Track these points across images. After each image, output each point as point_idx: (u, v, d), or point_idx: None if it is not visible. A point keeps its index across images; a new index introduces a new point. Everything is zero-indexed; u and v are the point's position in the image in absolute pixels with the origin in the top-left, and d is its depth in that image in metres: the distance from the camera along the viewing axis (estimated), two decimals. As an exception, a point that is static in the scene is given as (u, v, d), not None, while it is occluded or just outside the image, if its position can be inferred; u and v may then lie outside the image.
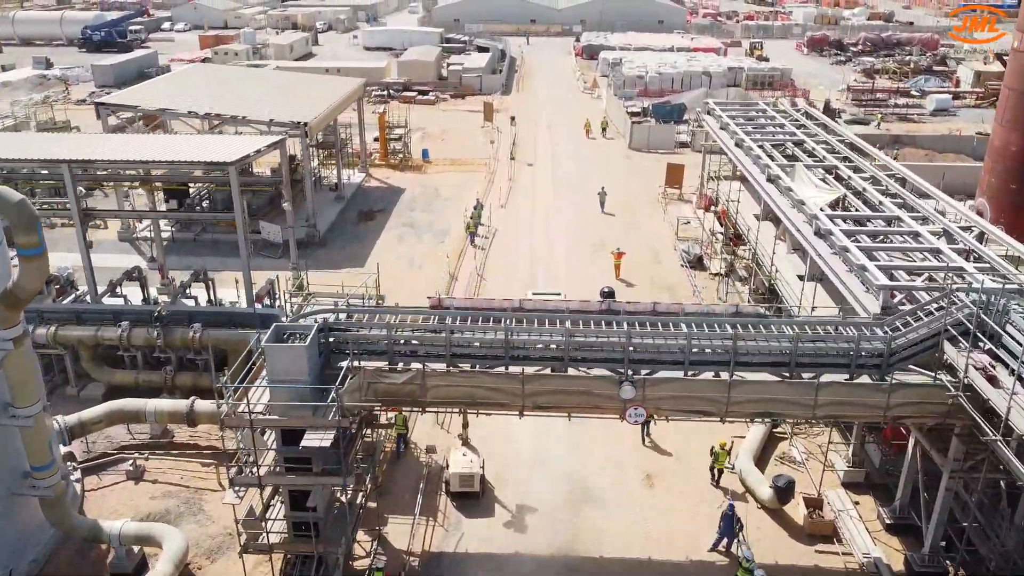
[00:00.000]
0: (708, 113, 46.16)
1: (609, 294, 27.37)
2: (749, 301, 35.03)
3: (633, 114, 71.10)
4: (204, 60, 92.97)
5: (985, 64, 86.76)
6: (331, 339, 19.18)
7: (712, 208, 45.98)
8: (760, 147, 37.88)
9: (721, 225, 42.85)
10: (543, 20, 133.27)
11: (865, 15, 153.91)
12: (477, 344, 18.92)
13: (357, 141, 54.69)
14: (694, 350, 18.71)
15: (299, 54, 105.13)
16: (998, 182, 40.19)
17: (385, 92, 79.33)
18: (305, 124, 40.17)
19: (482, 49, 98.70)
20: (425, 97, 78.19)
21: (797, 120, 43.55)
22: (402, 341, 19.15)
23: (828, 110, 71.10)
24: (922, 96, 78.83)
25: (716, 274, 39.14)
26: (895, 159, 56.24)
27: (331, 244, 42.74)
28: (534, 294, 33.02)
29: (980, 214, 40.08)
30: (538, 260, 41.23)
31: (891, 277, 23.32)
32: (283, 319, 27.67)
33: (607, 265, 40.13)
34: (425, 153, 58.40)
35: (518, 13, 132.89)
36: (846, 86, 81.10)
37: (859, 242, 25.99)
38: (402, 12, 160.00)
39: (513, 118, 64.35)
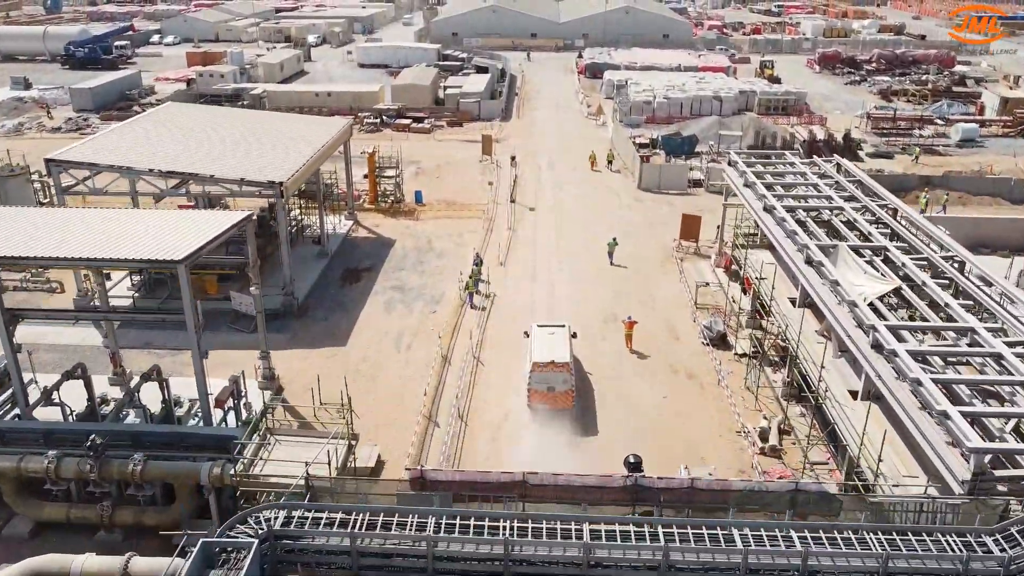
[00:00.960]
0: (730, 164, 41.80)
1: (635, 466, 22.74)
2: (784, 396, 30.71)
3: (641, 146, 66.73)
4: (189, 82, 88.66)
5: (1011, 89, 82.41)
6: (279, 547, 14.78)
7: (733, 267, 41.69)
8: (793, 214, 33.56)
9: (745, 293, 38.50)
10: (544, 34, 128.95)
11: (876, 28, 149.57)
12: (467, 559, 14.53)
13: (345, 179, 50.37)
14: (751, 569, 14.34)
15: (290, 73, 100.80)
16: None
17: (378, 119, 74.95)
18: (280, 184, 35.78)
19: (481, 69, 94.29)
20: (420, 125, 73.82)
21: (829, 176, 39.18)
22: (371, 552, 14.75)
23: (848, 141, 66.89)
24: (946, 124, 74.45)
25: (742, 355, 34.77)
26: (943, 210, 52.07)
27: (311, 313, 38.34)
28: (539, 327, 32.35)
29: (1033, 280, 35.99)
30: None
31: (974, 422, 19.03)
32: (241, 440, 23.57)
33: (618, 335, 35.94)
34: (419, 196, 54.01)
35: (518, 27, 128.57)
36: (866, 114, 76.69)
37: (930, 367, 21.65)
38: (397, 24, 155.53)
39: (514, 158, 59.90)
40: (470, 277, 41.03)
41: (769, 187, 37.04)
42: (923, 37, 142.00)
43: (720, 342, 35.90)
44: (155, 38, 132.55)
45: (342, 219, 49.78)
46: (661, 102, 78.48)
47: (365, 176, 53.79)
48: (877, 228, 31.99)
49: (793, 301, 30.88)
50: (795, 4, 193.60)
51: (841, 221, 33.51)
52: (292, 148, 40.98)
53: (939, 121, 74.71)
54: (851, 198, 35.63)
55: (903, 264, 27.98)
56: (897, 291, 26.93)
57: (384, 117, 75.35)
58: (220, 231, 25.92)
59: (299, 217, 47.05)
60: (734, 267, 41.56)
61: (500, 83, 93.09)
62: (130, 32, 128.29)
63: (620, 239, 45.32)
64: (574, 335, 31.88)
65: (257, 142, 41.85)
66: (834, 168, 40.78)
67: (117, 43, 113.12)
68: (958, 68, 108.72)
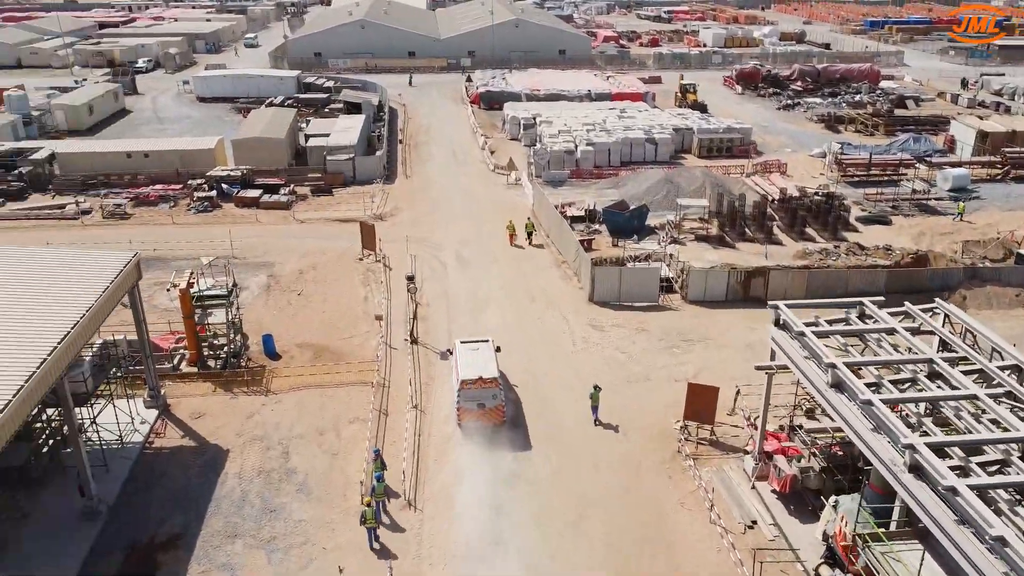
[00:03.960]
0: (778, 326, 25.51)
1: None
2: None
3: (574, 220, 50.40)
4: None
5: (981, 118, 71.13)
6: None
7: (794, 488, 25.61)
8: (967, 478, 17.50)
9: (842, 563, 22.39)
10: (424, 52, 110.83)
11: (776, 35, 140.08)
12: None
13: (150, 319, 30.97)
14: None
15: (104, 115, 78.37)
16: None
17: (213, 192, 54.88)
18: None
19: (352, 107, 75.40)
20: (274, 198, 54.35)
21: (952, 349, 23.55)
22: None
23: (832, 202, 52.65)
24: (929, 168, 61.77)
25: None
26: None
27: None
28: (462, 343, 31.53)
29: None
30: None
31: None
32: None
33: None
34: (269, 344, 35.12)
35: (392, 45, 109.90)
36: (832, 156, 63.20)
37: None
38: (243, 43, 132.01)
39: (411, 279, 39.87)
40: (368, 505, 23.68)
41: (880, 389, 20.89)
42: (827, 46, 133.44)
43: None
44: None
45: (139, 408, 30.40)
46: (586, 151, 62.29)
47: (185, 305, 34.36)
48: None
49: None
50: (682, 9, 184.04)
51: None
52: (21, 327, 21.66)
53: (920, 165, 61.93)
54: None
55: None
56: None
57: (224, 187, 55.41)
58: None
59: (53, 426, 27.49)
60: (798, 488, 25.52)
61: (378, 123, 74.62)
62: None
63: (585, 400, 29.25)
64: (498, 349, 31.44)
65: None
66: (941, 322, 25.24)
67: None
68: (884, 84, 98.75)
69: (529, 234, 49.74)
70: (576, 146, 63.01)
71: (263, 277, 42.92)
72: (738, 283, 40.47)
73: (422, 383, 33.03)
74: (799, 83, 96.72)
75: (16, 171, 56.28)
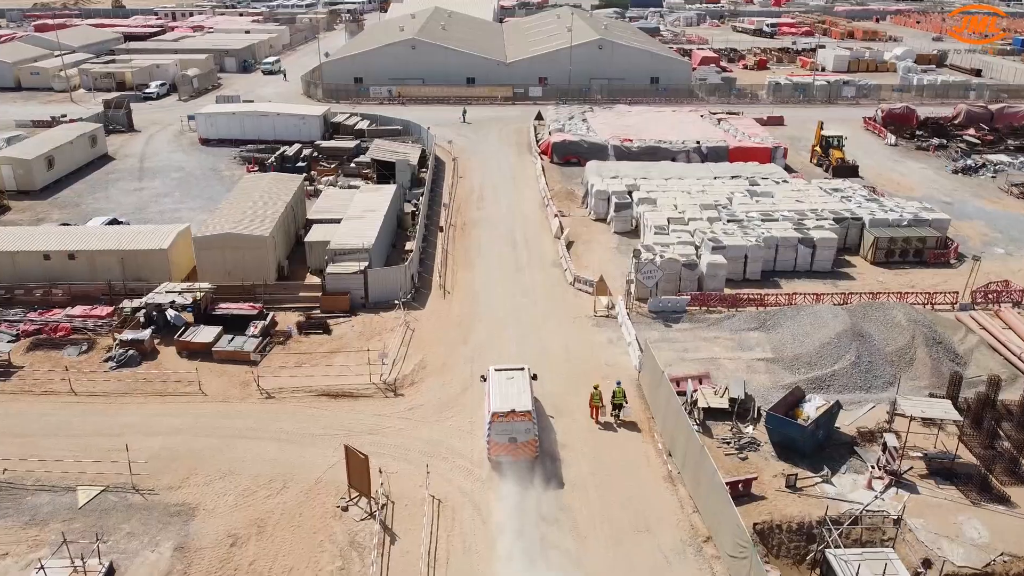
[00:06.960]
0: None
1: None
2: None
3: (709, 414, 30.15)
4: None
5: None
6: None
7: None
8: None
9: None
10: (485, 79, 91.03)
11: (911, 58, 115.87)
12: None
13: None
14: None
15: (70, 168, 60.59)
16: None
17: (149, 328, 36.01)
18: None
19: (384, 167, 56.14)
20: (234, 344, 35.05)
21: None
22: None
23: None
24: None
25: None
26: None
27: None
28: (496, 370, 29.74)
29: None
30: None
31: None
32: None
33: None
34: None
35: (449, 69, 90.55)
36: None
37: None
38: (296, 53, 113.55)
39: None
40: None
41: None
42: (978, 72, 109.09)
43: None
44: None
45: None
46: (714, 262, 41.46)
47: None
48: None
49: None
50: (786, 22, 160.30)
51: None
52: None
53: None
54: None
55: None
56: None
57: (169, 315, 36.59)
58: None
59: None
60: None
61: (416, 188, 55.37)
62: None
63: None
64: (534, 377, 29.98)
65: None
66: None
67: None
68: (1080, 132, 74.98)
69: (617, 407, 30.32)
70: (698, 251, 42.42)
71: (165, 552, 23.76)
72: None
73: None
74: (971, 131, 73.83)
75: None
